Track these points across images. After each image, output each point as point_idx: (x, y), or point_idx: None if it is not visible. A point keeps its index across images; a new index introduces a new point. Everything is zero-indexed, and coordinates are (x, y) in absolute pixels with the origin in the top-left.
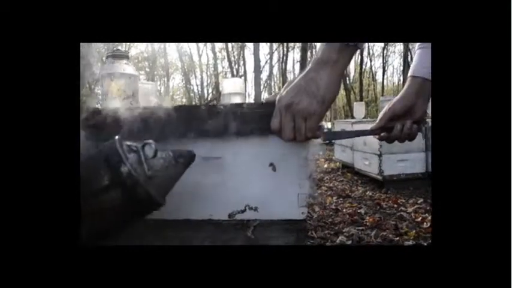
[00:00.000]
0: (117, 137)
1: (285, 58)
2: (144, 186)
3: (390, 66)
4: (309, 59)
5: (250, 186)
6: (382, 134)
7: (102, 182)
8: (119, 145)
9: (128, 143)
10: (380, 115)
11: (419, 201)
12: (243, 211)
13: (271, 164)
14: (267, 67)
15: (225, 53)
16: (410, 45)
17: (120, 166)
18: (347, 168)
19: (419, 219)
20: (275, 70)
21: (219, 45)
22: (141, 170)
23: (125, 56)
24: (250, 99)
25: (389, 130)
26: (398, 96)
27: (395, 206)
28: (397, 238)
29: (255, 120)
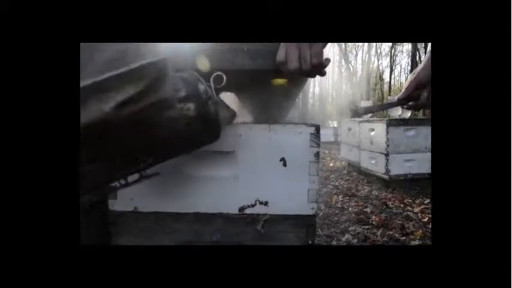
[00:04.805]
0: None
1: None
2: (214, 105)
3: (398, 65)
4: None
5: (261, 181)
6: (410, 103)
7: (181, 93)
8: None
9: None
10: (405, 86)
11: (425, 202)
12: (253, 205)
13: (282, 159)
14: None
15: None
16: (419, 45)
17: (197, 84)
18: (353, 167)
19: (425, 219)
20: None
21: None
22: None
23: None
24: None
25: (416, 99)
26: (420, 67)
27: (402, 205)
28: (403, 238)
29: (261, 56)
